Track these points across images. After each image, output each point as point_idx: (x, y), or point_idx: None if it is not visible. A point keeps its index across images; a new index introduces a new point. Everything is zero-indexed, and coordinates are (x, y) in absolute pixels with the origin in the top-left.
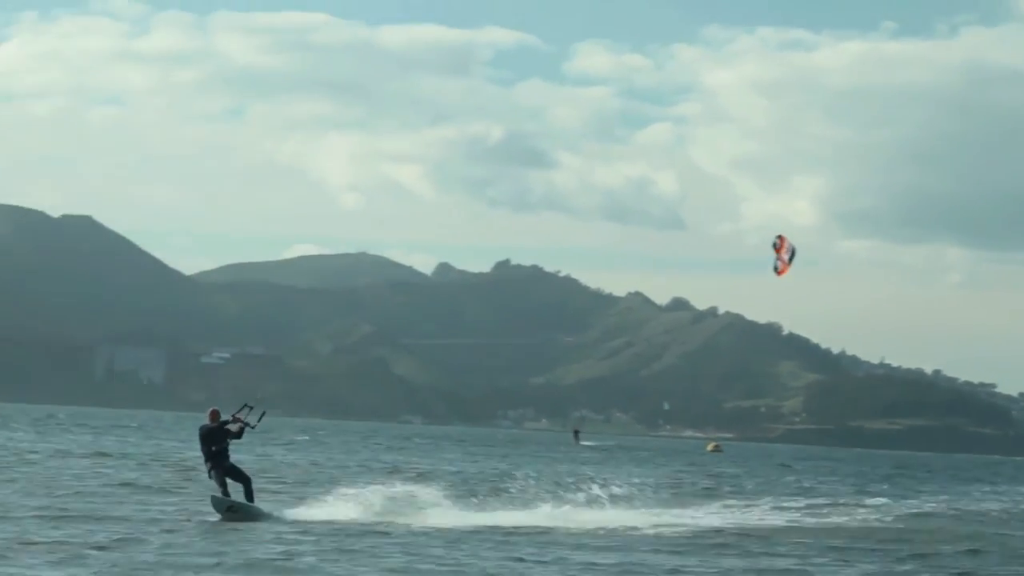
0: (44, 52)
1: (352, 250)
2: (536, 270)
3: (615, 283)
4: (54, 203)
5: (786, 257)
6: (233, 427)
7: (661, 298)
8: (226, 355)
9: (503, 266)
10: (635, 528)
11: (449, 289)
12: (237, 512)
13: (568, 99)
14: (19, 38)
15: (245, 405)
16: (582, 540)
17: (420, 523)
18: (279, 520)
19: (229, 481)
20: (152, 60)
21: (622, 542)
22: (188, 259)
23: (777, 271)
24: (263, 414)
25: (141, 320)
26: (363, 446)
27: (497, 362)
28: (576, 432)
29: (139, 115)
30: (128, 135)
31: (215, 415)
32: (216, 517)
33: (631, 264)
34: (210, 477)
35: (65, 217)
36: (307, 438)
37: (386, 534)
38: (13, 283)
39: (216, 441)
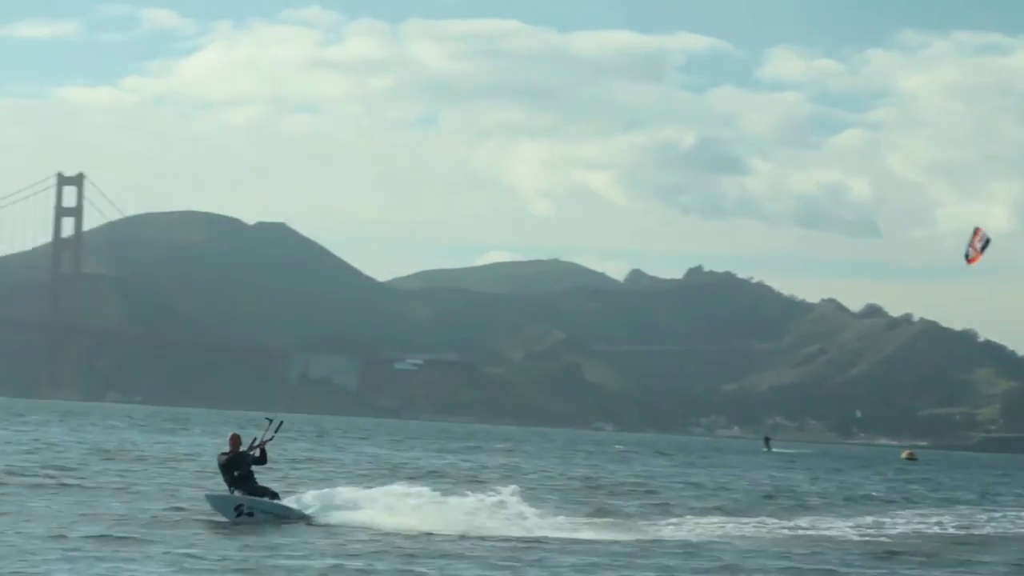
0: (239, 61)
1: (544, 256)
2: (729, 276)
3: (808, 289)
4: (249, 211)
5: (979, 245)
6: (254, 452)
7: (855, 305)
8: (419, 361)
9: (695, 272)
10: None
11: (641, 296)
12: (252, 513)
13: (761, 104)
14: (214, 47)
15: (266, 418)
16: None
17: None
18: (313, 522)
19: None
20: (346, 68)
21: None
22: (382, 266)
23: (968, 259)
24: (280, 423)
25: (335, 327)
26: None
27: (689, 369)
28: (767, 439)
29: (333, 123)
30: (322, 143)
31: (235, 440)
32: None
33: (824, 270)
34: None
35: (260, 224)
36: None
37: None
38: (209, 290)
39: (238, 467)
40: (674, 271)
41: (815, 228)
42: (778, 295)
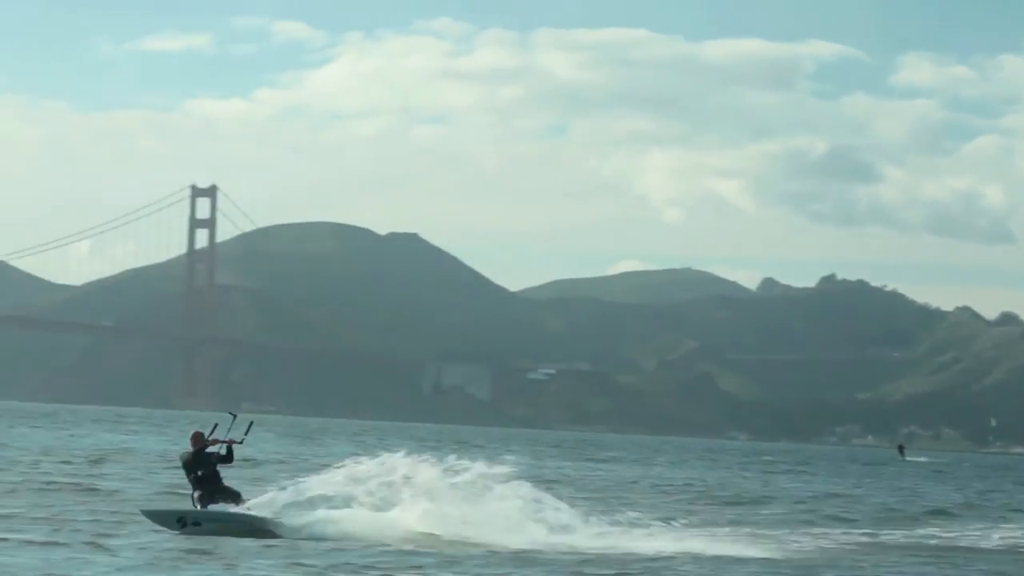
0: (369, 72)
1: (676, 265)
2: (862, 285)
3: (942, 297)
4: (381, 221)
5: None
6: (218, 449)
7: (989, 313)
8: (551, 371)
9: (828, 281)
10: None
11: (774, 304)
12: (199, 523)
13: (892, 112)
14: (345, 59)
15: (229, 413)
16: None
17: None
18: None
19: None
20: (476, 78)
21: None
22: (513, 275)
23: None
24: (250, 425)
25: (467, 336)
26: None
27: (823, 378)
28: (901, 448)
29: (463, 133)
30: (452, 153)
31: (197, 438)
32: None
33: (958, 278)
34: (195, 505)
35: (392, 235)
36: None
37: None
38: (342, 300)
39: (202, 465)
40: (806, 279)
41: (949, 235)
42: (912, 303)
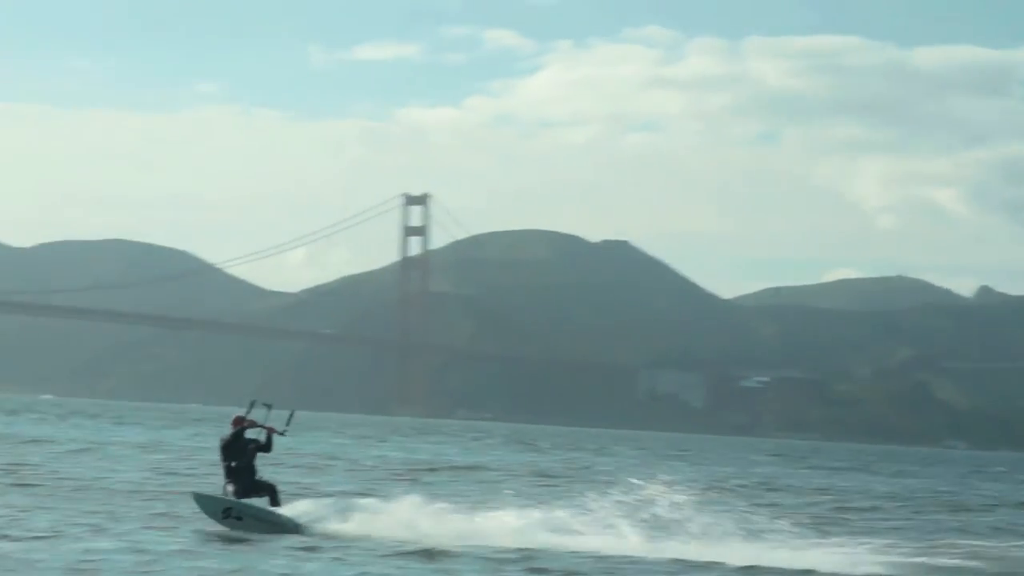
0: (579, 80)
1: (889, 273)
2: None
3: None
4: (591, 228)
5: None
6: (257, 435)
7: None
8: (765, 379)
9: None
10: None
11: (991, 312)
12: (241, 519)
13: None
14: (555, 67)
15: (255, 403)
16: None
17: None
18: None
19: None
20: (685, 86)
21: None
22: (724, 283)
23: None
24: (291, 415)
25: (680, 344)
26: None
27: None
28: None
29: (674, 141)
30: (663, 161)
31: (238, 421)
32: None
33: None
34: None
35: (603, 243)
36: None
37: None
38: (554, 307)
39: (238, 455)
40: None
41: None
42: None
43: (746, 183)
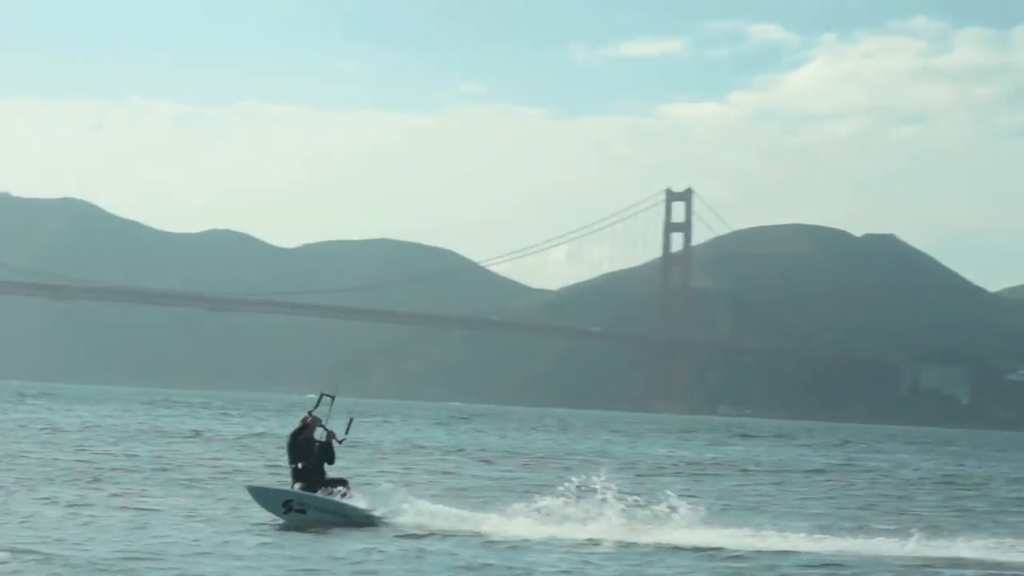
0: (844, 73)
1: None
2: None
3: None
4: (856, 222)
5: None
6: (320, 437)
7: None
8: None
9: None
10: None
11: None
12: (305, 511)
13: None
14: (820, 60)
15: (323, 395)
16: None
17: None
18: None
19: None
20: (953, 77)
21: None
22: (991, 275)
23: None
24: (350, 422)
25: (945, 337)
26: None
27: None
28: None
29: (941, 132)
30: (930, 153)
31: (313, 421)
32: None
33: None
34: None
35: (868, 236)
36: None
37: None
38: (817, 301)
39: (303, 456)
40: None
41: None
42: None
43: (1015, 174)
